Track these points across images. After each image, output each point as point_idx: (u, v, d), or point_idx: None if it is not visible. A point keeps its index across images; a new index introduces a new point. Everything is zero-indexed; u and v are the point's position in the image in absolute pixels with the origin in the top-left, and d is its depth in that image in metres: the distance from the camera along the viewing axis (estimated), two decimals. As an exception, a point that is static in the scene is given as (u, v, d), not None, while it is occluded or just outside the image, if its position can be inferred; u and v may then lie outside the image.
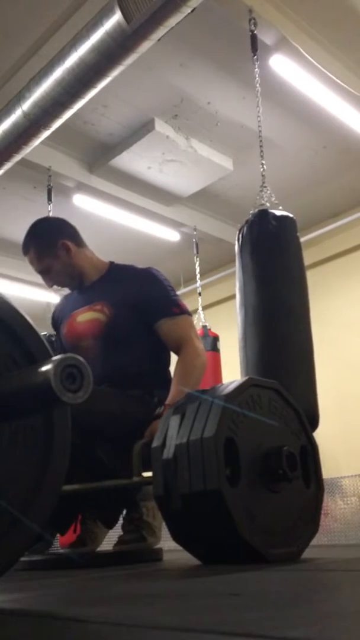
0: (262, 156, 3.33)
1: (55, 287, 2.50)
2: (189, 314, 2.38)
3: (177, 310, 2.33)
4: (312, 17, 3.77)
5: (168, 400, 2.14)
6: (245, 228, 2.89)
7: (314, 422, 2.59)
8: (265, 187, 3.17)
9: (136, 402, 2.21)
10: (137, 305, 2.32)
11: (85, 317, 2.39)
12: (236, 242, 2.93)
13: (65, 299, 2.62)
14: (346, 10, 3.79)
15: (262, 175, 3.25)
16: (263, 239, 2.82)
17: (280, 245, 2.83)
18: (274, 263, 2.80)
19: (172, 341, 2.32)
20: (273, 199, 3.12)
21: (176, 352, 2.31)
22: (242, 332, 2.77)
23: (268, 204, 3.06)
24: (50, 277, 2.45)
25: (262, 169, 3.28)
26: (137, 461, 1.96)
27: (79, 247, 2.47)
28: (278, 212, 2.89)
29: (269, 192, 3.14)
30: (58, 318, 2.56)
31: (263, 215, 2.88)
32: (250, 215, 2.92)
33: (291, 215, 2.92)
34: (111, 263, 2.53)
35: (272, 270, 2.79)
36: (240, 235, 2.90)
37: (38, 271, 2.47)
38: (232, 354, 6.01)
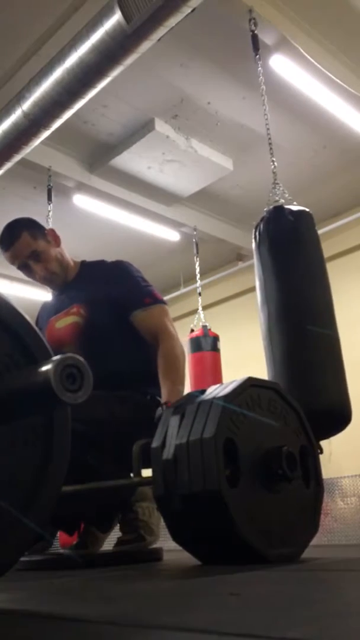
0: (271, 153, 3.33)
1: (42, 279, 2.39)
2: (163, 302, 2.34)
3: (149, 300, 2.29)
4: (312, 17, 3.77)
5: (164, 398, 2.10)
6: (261, 225, 2.86)
7: (346, 418, 2.56)
8: (277, 183, 3.16)
9: (126, 403, 2.18)
10: (110, 301, 2.29)
11: (64, 322, 2.36)
12: (253, 240, 2.90)
13: (44, 305, 2.58)
14: (346, 10, 3.79)
15: (274, 172, 3.24)
16: (281, 235, 2.79)
17: (299, 240, 2.80)
18: (294, 258, 2.76)
19: (147, 332, 2.27)
20: (287, 194, 3.11)
21: (153, 343, 2.25)
22: (267, 330, 2.72)
23: (282, 200, 3.05)
24: (40, 264, 2.35)
25: (272, 166, 3.28)
26: (137, 461, 1.95)
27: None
28: (294, 207, 2.88)
29: (281, 188, 3.14)
30: (40, 326, 2.49)
31: (279, 211, 2.86)
32: (265, 212, 2.91)
33: (307, 209, 2.91)
34: (82, 262, 2.50)
35: (292, 265, 2.75)
36: (257, 233, 2.87)
37: (27, 255, 2.34)
38: (232, 354, 6.04)
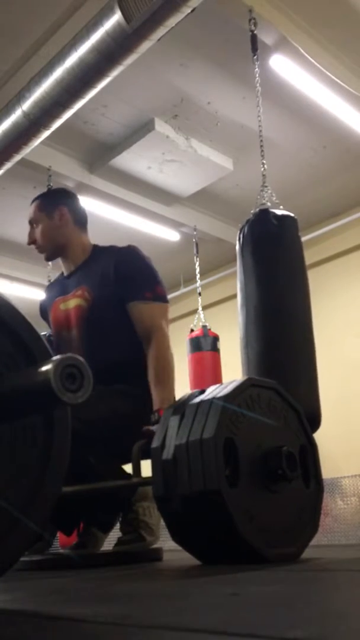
0: (262, 156, 3.33)
1: (31, 244, 2.47)
2: (165, 300, 2.29)
3: (150, 295, 2.24)
4: (312, 17, 3.77)
5: (156, 405, 2.08)
6: (246, 227, 2.89)
7: (316, 422, 2.58)
8: (266, 186, 3.16)
9: (123, 397, 2.18)
10: (115, 284, 2.27)
11: (69, 304, 2.37)
12: (237, 242, 2.92)
13: (52, 286, 2.61)
14: (346, 10, 3.79)
15: (263, 175, 3.25)
16: (264, 238, 2.82)
17: (282, 245, 2.83)
18: (275, 262, 2.80)
19: (141, 327, 2.23)
20: (274, 198, 3.11)
21: (144, 340, 2.22)
22: (244, 332, 2.76)
23: (269, 204, 3.06)
24: (34, 232, 2.45)
25: (262, 169, 3.28)
26: (137, 462, 1.95)
27: (77, 226, 2.48)
28: (279, 212, 2.89)
29: (269, 191, 3.14)
30: (45, 307, 2.55)
31: (264, 214, 2.88)
32: (251, 215, 2.92)
33: (292, 214, 2.92)
34: (94, 247, 2.50)
35: (273, 269, 2.78)
36: (241, 235, 2.90)
37: (29, 220, 2.48)
38: (232, 354, 6.02)
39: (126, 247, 2.39)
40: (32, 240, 2.47)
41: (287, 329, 2.71)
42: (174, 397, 2.12)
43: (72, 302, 2.35)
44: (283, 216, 2.87)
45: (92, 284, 2.32)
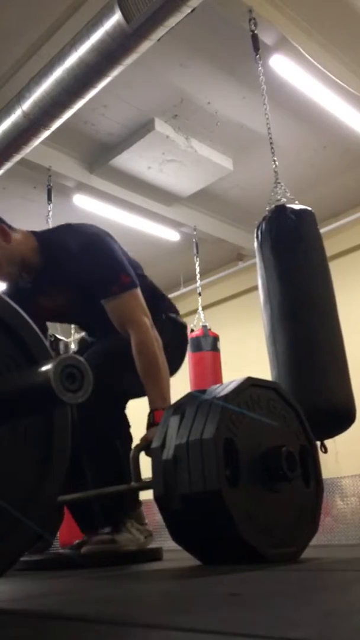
0: (273, 152, 3.34)
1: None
2: (133, 285, 2.13)
3: (117, 288, 2.10)
4: (312, 17, 3.77)
5: (151, 404, 2.06)
6: (263, 224, 2.87)
7: (350, 416, 2.55)
8: (279, 182, 3.16)
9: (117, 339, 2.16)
10: (83, 288, 2.16)
11: (52, 302, 2.27)
12: (255, 239, 2.90)
13: (13, 293, 2.22)
14: (346, 10, 3.79)
15: (275, 172, 3.25)
16: (283, 234, 2.80)
17: (301, 239, 2.80)
18: (296, 257, 2.77)
19: (117, 324, 2.13)
20: (288, 194, 3.11)
21: (126, 336, 2.11)
22: (270, 328, 2.72)
23: (284, 199, 3.05)
24: None
25: (274, 165, 3.29)
26: (136, 466, 1.95)
27: (11, 229, 2.18)
28: (296, 206, 2.88)
29: (283, 187, 3.14)
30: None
31: (281, 210, 2.86)
32: (267, 212, 2.91)
33: (309, 208, 2.91)
34: (40, 242, 2.21)
35: (295, 263, 2.75)
36: (259, 232, 2.88)
37: None
38: (232, 354, 6.03)
39: (81, 246, 2.14)
40: None
41: (314, 322, 2.66)
42: (168, 391, 2.07)
43: (57, 302, 2.28)
44: (300, 210, 2.86)
45: (64, 293, 2.23)
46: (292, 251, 2.78)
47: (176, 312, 2.46)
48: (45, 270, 2.19)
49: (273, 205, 2.94)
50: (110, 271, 2.13)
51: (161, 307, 2.38)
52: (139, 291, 2.16)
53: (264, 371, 2.59)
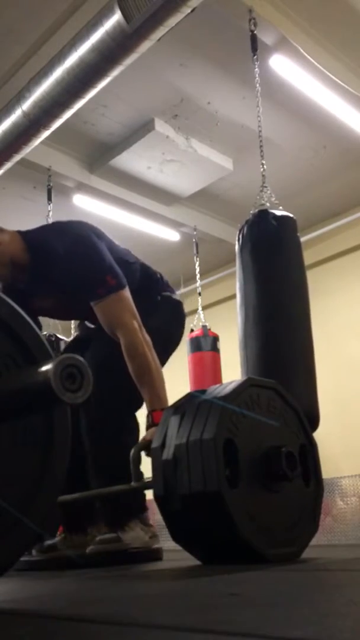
0: (262, 156, 3.33)
1: None
2: (120, 286, 2.09)
3: (103, 290, 2.08)
4: (312, 17, 3.77)
5: (148, 406, 2.05)
6: (245, 228, 2.89)
7: (314, 422, 2.58)
8: (265, 187, 3.17)
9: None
10: (72, 288, 2.15)
11: (45, 303, 2.27)
12: (236, 242, 2.93)
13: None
14: (346, 10, 3.79)
15: (263, 176, 3.25)
16: (263, 239, 2.83)
17: (281, 245, 2.84)
18: (274, 263, 2.81)
19: (106, 327, 2.11)
20: (273, 199, 3.12)
21: (115, 339, 2.10)
22: (243, 332, 2.77)
23: (268, 204, 3.06)
24: None
25: (262, 169, 3.28)
26: (136, 467, 1.94)
27: None
28: (278, 212, 2.90)
29: (269, 192, 3.15)
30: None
31: (263, 215, 2.89)
32: (251, 215, 2.93)
33: (291, 215, 2.92)
34: (22, 237, 2.18)
35: (272, 270, 2.79)
36: (241, 235, 2.91)
37: None
38: (232, 354, 6.01)
39: (66, 251, 2.11)
40: None
41: (285, 329, 2.71)
42: (163, 390, 2.05)
43: (50, 301, 2.27)
44: (282, 217, 2.88)
45: (57, 294, 2.23)
46: (270, 256, 2.81)
47: (171, 289, 2.48)
48: (34, 270, 2.17)
49: (256, 210, 2.96)
50: (94, 274, 2.09)
51: (154, 287, 2.41)
52: (126, 292, 2.12)
53: (264, 371, 2.60)
